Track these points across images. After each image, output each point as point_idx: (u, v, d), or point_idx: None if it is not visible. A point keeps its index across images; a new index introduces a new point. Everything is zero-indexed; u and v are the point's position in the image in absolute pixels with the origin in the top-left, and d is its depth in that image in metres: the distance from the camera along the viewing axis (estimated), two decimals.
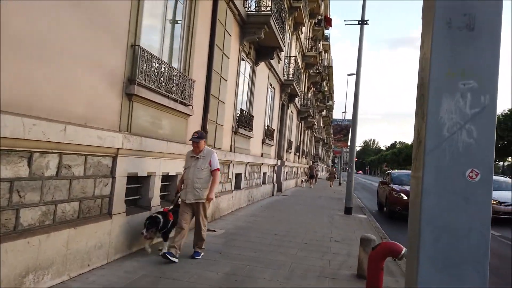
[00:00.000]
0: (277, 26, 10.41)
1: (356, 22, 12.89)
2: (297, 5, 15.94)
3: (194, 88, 6.85)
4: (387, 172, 15.85)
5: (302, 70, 21.23)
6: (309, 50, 23.14)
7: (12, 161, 3.30)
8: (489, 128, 1.68)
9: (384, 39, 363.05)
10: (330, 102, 49.86)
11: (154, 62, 5.41)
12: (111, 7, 4.50)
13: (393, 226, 10.66)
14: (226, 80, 8.68)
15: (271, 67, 13.67)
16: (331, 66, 42.42)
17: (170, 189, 6.74)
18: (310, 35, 24.74)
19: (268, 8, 9.68)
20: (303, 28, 21.44)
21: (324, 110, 43.90)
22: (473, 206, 1.68)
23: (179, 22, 6.67)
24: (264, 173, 14.39)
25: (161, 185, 6.15)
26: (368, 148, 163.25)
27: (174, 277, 4.41)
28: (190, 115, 6.78)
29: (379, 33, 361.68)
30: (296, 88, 17.40)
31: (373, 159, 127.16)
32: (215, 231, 7.24)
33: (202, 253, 5.37)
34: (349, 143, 18.74)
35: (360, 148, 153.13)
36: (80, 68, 4.05)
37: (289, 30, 17.12)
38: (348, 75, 33.93)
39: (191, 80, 6.76)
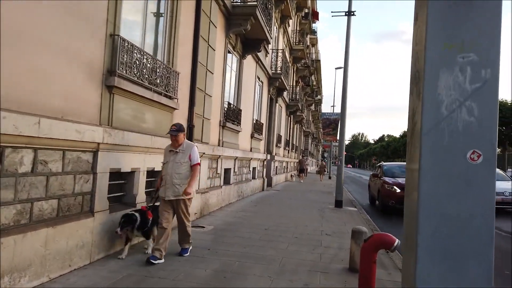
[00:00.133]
0: (263, 17, 10.23)
1: (343, 13, 12.77)
2: None
3: (179, 80, 6.64)
4: (379, 164, 15.00)
5: (290, 64, 21.10)
6: (297, 43, 22.99)
7: None
8: (491, 104, 1.54)
9: (370, 33, 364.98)
10: (319, 96, 49.91)
11: (136, 53, 5.20)
12: None
13: (384, 219, 10.62)
14: (212, 73, 8.47)
15: (258, 60, 13.48)
16: (319, 60, 42.38)
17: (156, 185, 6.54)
18: (298, 29, 24.58)
19: None
20: (290, 21, 21.26)
21: (313, 105, 43.90)
22: (475, 190, 1.53)
23: (162, 12, 6.45)
24: (254, 168, 14.25)
25: (146, 181, 5.95)
26: (357, 142, 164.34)
27: (160, 275, 4.24)
28: (175, 109, 6.58)
29: (364, 27, 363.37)
30: (284, 82, 17.25)
31: (362, 152, 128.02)
32: (203, 227, 7.07)
33: (190, 248, 5.20)
34: (338, 137, 18.66)
35: (349, 142, 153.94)
36: (55, 58, 3.83)
37: (276, 23, 16.94)
38: (336, 68, 33.90)
39: (176, 72, 6.55)
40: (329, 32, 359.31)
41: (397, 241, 3.28)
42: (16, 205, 3.47)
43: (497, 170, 14.00)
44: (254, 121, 13.85)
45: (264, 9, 10.40)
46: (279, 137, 20.23)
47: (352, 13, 12.45)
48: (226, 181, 10.59)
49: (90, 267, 4.36)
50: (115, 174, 5.16)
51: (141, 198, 5.68)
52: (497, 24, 1.55)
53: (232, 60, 10.78)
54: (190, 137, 7.31)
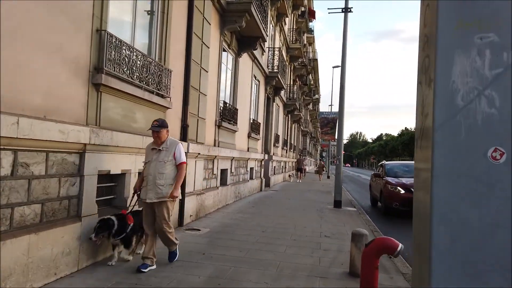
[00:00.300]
0: (258, 14, 10.02)
1: (340, 10, 12.59)
2: None
3: (171, 79, 6.42)
4: (380, 163, 13.92)
5: (287, 63, 20.88)
6: (294, 42, 22.78)
7: None
8: None
9: (367, 32, 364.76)
10: (316, 96, 49.74)
11: (125, 50, 4.97)
12: None
13: (385, 220, 10.42)
14: (207, 71, 8.25)
15: (254, 59, 13.26)
16: (316, 59, 42.21)
17: None
18: (294, 27, 24.37)
19: None
20: (287, 20, 21.06)
21: (311, 104, 43.70)
22: (499, 194, 1.28)
23: (153, 7, 6.22)
24: (251, 168, 14.02)
25: None
26: (355, 141, 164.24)
27: (151, 283, 4.02)
28: (168, 108, 6.35)
29: (362, 26, 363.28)
30: (282, 81, 17.04)
31: (360, 151, 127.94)
32: (199, 230, 6.86)
33: (177, 251, 4.86)
34: (336, 136, 18.49)
35: (347, 141, 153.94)
36: (35, 53, 3.60)
37: (272, 21, 16.72)
38: (333, 67, 33.67)
39: (168, 70, 6.32)
40: (326, 31, 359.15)
41: (400, 245, 3.08)
42: None
43: None
44: (251, 121, 13.63)
45: (259, 6, 10.18)
46: (277, 136, 20.02)
47: (349, 10, 12.25)
48: (223, 182, 10.37)
49: (77, 275, 4.14)
50: (105, 176, 4.94)
51: (133, 201, 5.45)
52: None
53: (228, 58, 10.55)
54: (184, 137, 7.10)
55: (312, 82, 40.64)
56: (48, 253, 3.80)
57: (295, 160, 28.65)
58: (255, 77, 14.12)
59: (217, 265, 4.73)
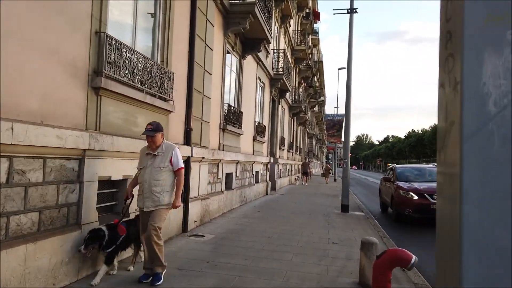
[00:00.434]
0: (262, 15, 9.88)
1: (345, 11, 12.41)
2: None
3: (174, 81, 6.29)
4: (391, 167, 13.04)
5: (292, 65, 20.73)
6: (298, 44, 22.63)
7: None
8: None
9: (371, 33, 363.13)
10: (322, 98, 49.47)
11: (125, 52, 4.84)
12: None
13: (394, 225, 10.20)
14: (210, 74, 8.12)
15: (259, 61, 13.12)
16: (321, 61, 41.99)
17: None
18: (299, 29, 24.22)
19: None
20: (291, 21, 20.91)
21: (316, 106, 43.46)
22: None
23: (155, 9, 6.09)
24: (257, 172, 13.86)
25: None
26: (362, 143, 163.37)
27: None
28: (171, 111, 6.22)
29: (365, 27, 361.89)
30: (287, 83, 16.88)
31: (367, 153, 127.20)
32: (203, 236, 6.70)
33: (164, 272, 4.26)
34: (342, 138, 18.19)
35: (354, 143, 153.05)
36: (32, 55, 3.48)
37: (276, 23, 16.58)
38: (338, 69, 33.52)
39: (171, 73, 6.19)
40: (331, 33, 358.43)
41: (414, 258, 2.90)
42: None
43: None
44: (256, 124, 13.47)
45: (263, 7, 10.05)
46: (283, 139, 19.84)
47: (354, 10, 12.08)
48: (228, 186, 10.21)
49: (77, 285, 4.00)
50: (105, 183, 4.81)
51: (135, 207, 5.31)
52: None
53: (232, 60, 10.42)
54: (188, 141, 6.96)
55: (317, 84, 40.42)
56: (46, 263, 3.66)
57: (301, 163, 28.42)
58: (260, 80, 13.97)
59: (221, 275, 4.57)
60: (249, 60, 11.85)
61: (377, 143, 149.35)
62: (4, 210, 3.25)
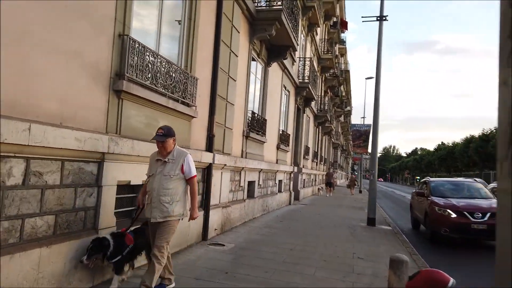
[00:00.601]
0: (289, 22, 9.73)
1: (375, 18, 12.08)
2: (311, 4, 15.24)
3: (197, 87, 6.20)
4: (423, 180, 11.94)
5: (318, 73, 20.47)
6: (325, 52, 22.36)
7: None
8: None
9: (401, 43, 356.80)
10: (348, 108, 48.75)
11: (148, 55, 4.78)
12: None
13: (423, 240, 9.70)
14: (234, 80, 8.02)
15: (284, 69, 12.96)
16: (348, 71, 41.48)
17: None
18: (326, 37, 23.97)
19: (279, 3, 9.00)
20: (318, 30, 20.72)
21: (342, 116, 42.83)
22: None
23: (179, 13, 6.05)
24: (280, 181, 13.61)
25: None
26: (388, 155, 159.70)
27: None
28: (193, 117, 6.12)
29: (395, 37, 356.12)
30: (312, 92, 16.63)
31: (394, 166, 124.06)
32: (223, 245, 6.52)
33: None
34: (369, 149, 17.62)
35: (380, 154, 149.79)
36: (52, 57, 3.44)
37: (303, 31, 16.43)
38: (366, 78, 32.89)
39: (194, 78, 6.11)
40: (359, 44, 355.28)
41: (451, 281, 2.60)
42: (3, 222, 3.04)
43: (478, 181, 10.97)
44: (280, 132, 13.27)
45: (290, 14, 9.91)
46: (307, 148, 19.52)
47: (384, 18, 11.74)
48: (250, 195, 10.02)
49: None
50: (125, 187, 4.73)
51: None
52: None
53: (257, 67, 10.31)
54: (210, 147, 6.84)
55: (343, 94, 39.88)
56: (60, 267, 3.58)
57: (325, 173, 27.90)
58: (285, 87, 13.80)
59: None
60: (274, 68, 11.72)
61: (404, 155, 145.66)
62: (19, 212, 3.19)
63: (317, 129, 24.40)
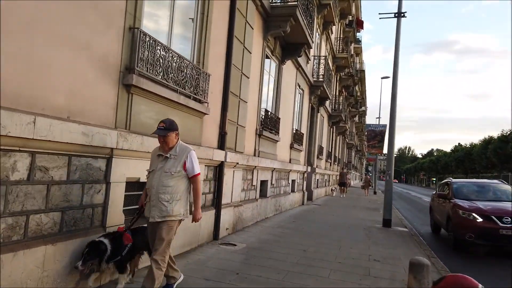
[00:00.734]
0: (304, 19, 9.53)
1: (392, 15, 11.78)
2: (326, 1, 14.97)
3: (209, 83, 6.07)
4: (445, 181, 10.95)
5: (332, 72, 20.16)
6: (340, 51, 22.03)
7: None
8: None
9: (418, 43, 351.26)
10: (363, 108, 48.14)
11: (159, 50, 4.66)
12: None
13: (441, 242, 9.37)
14: (248, 77, 7.86)
15: (299, 67, 12.75)
16: (363, 71, 40.93)
17: None
18: (341, 36, 23.63)
19: None
20: (333, 28, 20.43)
21: (357, 116, 42.30)
22: None
23: (192, 8, 5.92)
24: (293, 180, 13.41)
25: None
26: (404, 156, 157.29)
27: None
28: (205, 113, 5.99)
29: (412, 37, 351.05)
30: (327, 91, 16.36)
31: (409, 167, 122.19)
32: (235, 245, 6.37)
33: None
34: (384, 150, 17.23)
35: (395, 155, 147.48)
36: (61, 48, 3.34)
37: (318, 29, 16.18)
38: (382, 78, 32.30)
39: (206, 74, 5.98)
40: (373, 44, 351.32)
41: (480, 286, 2.38)
42: (6, 218, 2.95)
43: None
44: (294, 131, 13.07)
45: (305, 11, 9.70)
46: (321, 148, 19.24)
47: (402, 15, 11.42)
48: (263, 194, 9.86)
49: None
50: (134, 184, 4.62)
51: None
52: None
53: (271, 65, 10.13)
54: (222, 145, 6.70)
55: (358, 94, 39.36)
56: (66, 266, 3.47)
57: (339, 173, 27.51)
58: (299, 86, 13.58)
59: None
60: (288, 65, 11.53)
61: (420, 156, 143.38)
62: (24, 208, 3.09)
63: (331, 129, 24.08)
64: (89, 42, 3.66)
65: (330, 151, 23.79)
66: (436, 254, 7.08)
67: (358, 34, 34.88)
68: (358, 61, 37.07)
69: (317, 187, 18.64)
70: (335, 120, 23.02)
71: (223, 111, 6.75)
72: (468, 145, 57.71)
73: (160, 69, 4.73)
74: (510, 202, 8.33)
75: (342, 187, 22.88)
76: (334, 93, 22.43)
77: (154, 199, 3.61)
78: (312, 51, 14.58)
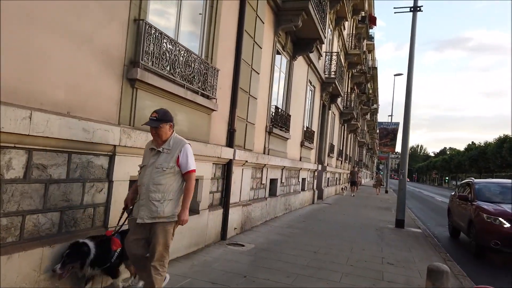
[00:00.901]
0: (316, 13, 9.26)
1: (408, 9, 11.41)
2: None
3: (218, 78, 5.87)
4: (466, 181, 10.10)
5: (344, 69, 19.81)
6: (353, 48, 21.65)
7: None
8: None
9: (431, 40, 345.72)
10: (375, 105, 47.47)
11: (165, 43, 4.47)
12: None
13: (454, 243, 9.05)
14: (258, 73, 7.64)
15: (310, 63, 12.48)
16: (376, 68, 40.29)
17: None
18: (353, 33, 23.22)
19: None
20: (346, 24, 20.05)
21: (368, 114, 41.73)
22: None
23: (201, 1, 5.72)
24: (303, 179, 13.16)
25: None
26: (416, 154, 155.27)
27: None
28: (213, 110, 5.80)
29: (425, 33, 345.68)
30: (339, 88, 16.04)
31: (421, 165, 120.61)
32: (243, 245, 6.18)
33: None
34: (397, 148, 16.87)
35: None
36: (61, 40, 3.16)
37: (330, 25, 15.85)
38: (395, 75, 31.75)
39: (215, 69, 5.78)
40: (385, 42, 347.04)
41: None
42: (0, 219, 2.79)
43: None
44: (305, 128, 12.81)
45: (317, 5, 9.43)
46: (332, 146, 18.93)
47: (418, 8, 11.05)
48: (272, 193, 9.64)
49: None
50: None
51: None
52: None
53: (281, 60, 9.88)
54: (230, 142, 6.50)
55: (370, 91, 38.79)
56: None
57: (349, 171, 27.11)
58: (310, 82, 13.31)
59: None
60: (299, 61, 11.26)
61: (432, 154, 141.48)
62: (20, 208, 2.93)
63: (343, 126, 23.72)
64: (91, 34, 3.48)
65: (341, 149, 23.44)
66: (455, 261, 6.59)
67: (370, 30, 34.31)
68: (370, 58, 36.49)
69: (327, 185, 18.35)
70: (346, 117, 22.66)
71: (232, 108, 6.55)
72: (482, 144, 56.61)
73: (167, 63, 4.54)
74: None
75: (353, 186, 22.55)
76: (346, 90, 22.07)
77: (144, 198, 3.29)
78: (324, 47, 14.28)
